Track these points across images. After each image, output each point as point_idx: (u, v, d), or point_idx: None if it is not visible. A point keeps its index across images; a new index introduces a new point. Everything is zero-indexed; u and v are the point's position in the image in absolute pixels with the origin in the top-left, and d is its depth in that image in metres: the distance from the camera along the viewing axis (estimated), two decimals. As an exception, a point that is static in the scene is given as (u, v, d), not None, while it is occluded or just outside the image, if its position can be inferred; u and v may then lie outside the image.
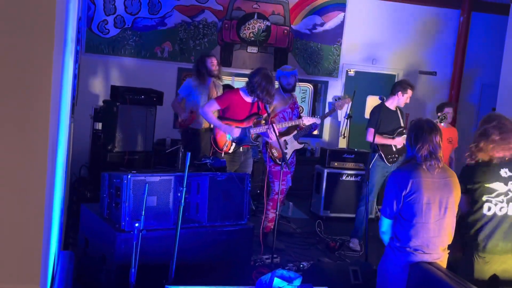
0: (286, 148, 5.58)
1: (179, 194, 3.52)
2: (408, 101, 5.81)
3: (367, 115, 9.16)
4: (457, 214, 3.42)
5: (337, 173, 6.93)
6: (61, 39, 2.34)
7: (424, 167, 3.26)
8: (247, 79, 5.26)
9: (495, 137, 3.46)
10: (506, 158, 3.48)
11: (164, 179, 4.01)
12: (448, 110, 6.37)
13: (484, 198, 3.45)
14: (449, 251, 3.40)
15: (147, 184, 3.54)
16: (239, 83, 8.06)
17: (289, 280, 3.30)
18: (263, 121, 5.36)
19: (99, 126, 6.55)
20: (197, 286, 3.33)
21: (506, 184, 3.45)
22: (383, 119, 5.58)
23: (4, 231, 1.67)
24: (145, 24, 8.19)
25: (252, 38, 8.69)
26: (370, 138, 5.56)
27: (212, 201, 4.22)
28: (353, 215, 6.12)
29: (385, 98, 5.60)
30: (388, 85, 9.43)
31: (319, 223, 6.33)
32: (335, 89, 9.16)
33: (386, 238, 3.43)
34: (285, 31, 8.81)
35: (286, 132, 5.62)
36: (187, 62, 8.30)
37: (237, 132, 5.12)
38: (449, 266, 3.39)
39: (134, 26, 8.15)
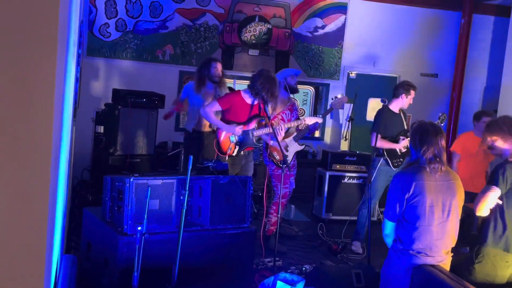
0: (287, 151, 5.57)
1: (181, 197, 3.51)
2: (411, 102, 5.80)
3: (368, 117, 9.18)
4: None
5: (339, 176, 6.92)
6: (64, 42, 2.34)
7: (427, 169, 3.25)
8: (248, 82, 5.26)
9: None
10: None
11: (166, 182, 4.00)
12: (486, 119, 6.04)
13: None
14: (452, 254, 3.39)
15: (149, 188, 3.54)
16: (241, 86, 8.06)
17: (292, 283, 3.29)
18: (265, 123, 5.35)
19: (101, 129, 6.55)
20: (200, 289, 3.32)
21: None
22: (387, 123, 5.56)
23: (7, 235, 1.66)
24: (146, 27, 8.20)
25: (254, 41, 8.70)
26: (373, 142, 5.54)
27: (214, 204, 4.22)
28: (355, 218, 6.11)
29: (387, 100, 5.59)
30: (390, 87, 9.43)
31: (321, 226, 6.32)
32: (337, 91, 9.13)
33: (389, 240, 3.43)
34: (287, 33, 8.82)
35: (286, 134, 5.61)
36: (188, 65, 8.31)
37: (239, 130, 5.11)
38: (452, 269, 3.38)
39: (135, 29, 8.16)
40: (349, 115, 7.88)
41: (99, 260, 4.07)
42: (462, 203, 3.37)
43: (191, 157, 3.47)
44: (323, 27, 8.97)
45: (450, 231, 3.30)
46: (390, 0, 9.13)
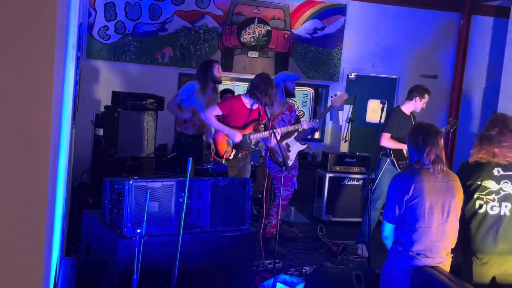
0: (289, 151, 5.58)
1: (181, 200, 3.51)
2: (424, 106, 5.77)
3: (368, 119, 9.17)
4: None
5: (339, 177, 6.92)
6: (62, 45, 2.34)
7: (431, 170, 3.23)
8: (248, 84, 5.27)
9: (503, 142, 3.47)
10: (504, 160, 3.48)
11: (165, 185, 4.00)
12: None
13: (476, 195, 3.47)
14: (452, 255, 3.39)
15: (148, 190, 3.53)
16: (240, 87, 8.07)
17: (291, 285, 3.29)
18: (262, 127, 5.37)
19: (100, 131, 6.56)
20: (200, 291, 3.32)
21: (498, 183, 3.45)
22: (398, 124, 5.54)
23: (6, 237, 1.66)
24: (145, 29, 8.21)
25: (253, 43, 8.70)
26: (383, 142, 5.53)
27: (214, 207, 4.21)
28: (356, 219, 6.09)
29: (386, 102, 5.58)
30: (389, 89, 9.48)
31: (321, 228, 6.31)
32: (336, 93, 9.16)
33: (388, 242, 3.42)
34: (286, 35, 8.82)
35: (287, 134, 5.62)
36: (188, 67, 8.31)
37: (239, 137, 5.13)
38: (452, 270, 3.38)
39: (135, 31, 8.16)
40: (349, 116, 7.88)
41: (98, 262, 4.07)
42: (461, 204, 3.37)
43: (190, 159, 3.47)
44: (322, 28, 8.97)
45: (449, 232, 3.29)
46: (389, 2, 9.14)
